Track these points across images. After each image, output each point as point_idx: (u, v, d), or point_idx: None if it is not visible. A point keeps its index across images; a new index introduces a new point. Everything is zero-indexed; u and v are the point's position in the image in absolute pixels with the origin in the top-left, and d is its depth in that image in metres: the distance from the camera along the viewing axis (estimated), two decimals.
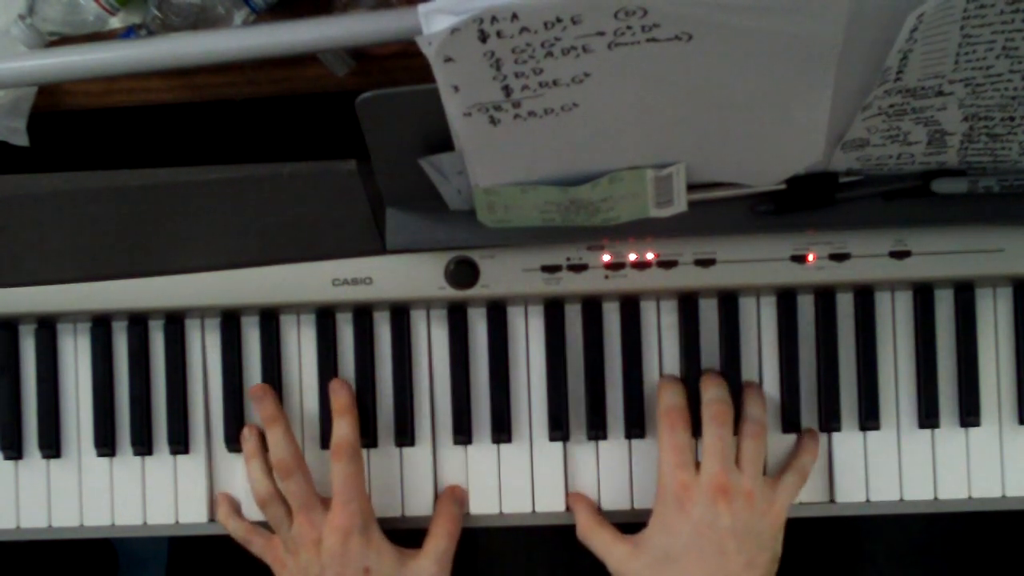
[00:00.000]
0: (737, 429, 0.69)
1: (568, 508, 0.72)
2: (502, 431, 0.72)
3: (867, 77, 0.54)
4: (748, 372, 0.72)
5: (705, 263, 0.68)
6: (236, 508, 0.73)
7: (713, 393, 0.68)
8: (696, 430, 0.70)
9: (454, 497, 0.72)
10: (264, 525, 0.72)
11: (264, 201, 0.68)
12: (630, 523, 0.72)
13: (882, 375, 0.71)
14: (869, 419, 0.71)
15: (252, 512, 0.73)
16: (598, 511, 0.71)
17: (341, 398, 0.71)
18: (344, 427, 0.70)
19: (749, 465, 0.67)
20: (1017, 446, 0.71)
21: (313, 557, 0.68)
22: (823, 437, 0.72)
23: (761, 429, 0.68)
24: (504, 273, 0.69)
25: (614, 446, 0.73)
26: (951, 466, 0.71)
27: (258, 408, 0.72)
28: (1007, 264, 0.68)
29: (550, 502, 0.72)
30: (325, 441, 0.73)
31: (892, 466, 0.72)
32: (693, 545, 0.64)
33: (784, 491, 0.68)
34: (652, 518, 0.68)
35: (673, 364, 0.72)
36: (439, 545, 0.70)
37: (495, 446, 0.73)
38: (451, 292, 0.69)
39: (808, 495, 0.71)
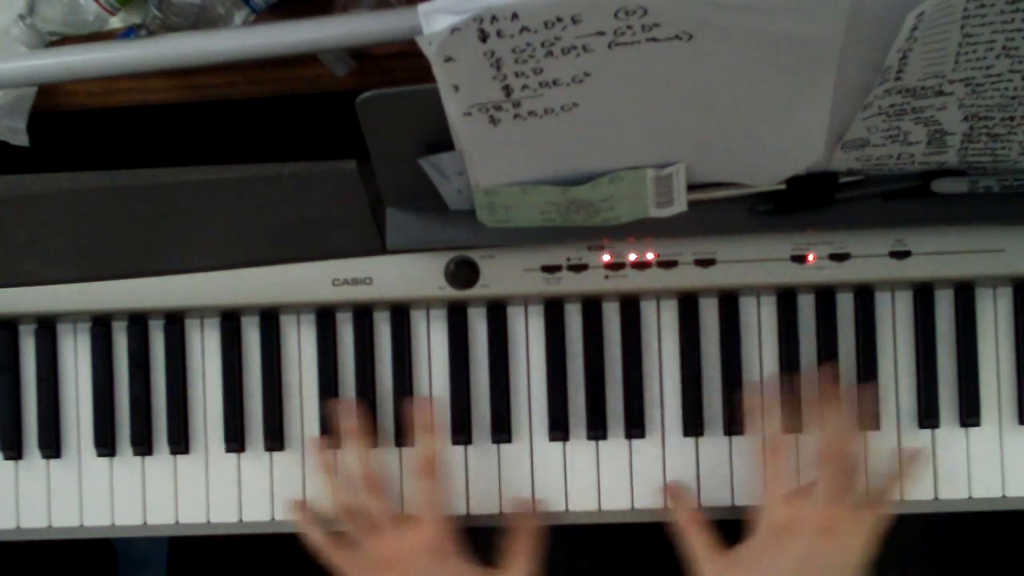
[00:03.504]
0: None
1: (666, 498, 0.72)
2: (502, 431, 0.72)
3: (867, 77, 0.54)
4: (748, 372, 0.72)
5: (705, 263, 0.68)
6: (315, 516, 0.72)
7: (834, 427, 0.67)
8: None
9: (530, 512, 0.71)
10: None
11: (264, 201, 0.68)
12: (630, 524, 0.73)
13: (882, 375, 0.71)
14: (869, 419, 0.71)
15: (251, 513, 0.73)
16: (699, 508, 0.71)
17: (424, 416, 0.70)
18: (427, 445, 0.70)
19: (851, 498, 0.66)
20: (1017, 446, 0.71)
21: (393, 575, 0.67)
22: None
23: (860, 465, 0.68)
24: (504, 273, 0.69)
25: (614, 446, 0.73)
26: (951, 466, 0.71)
27: (342, 423, 0.71)
28: (1007, 264, 0.68)
29: (550, 502, 0.72)
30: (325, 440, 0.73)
31: (892, 466, 0.72)
32: None
33: (877, 523, 0.67)
34: (753, 541, 0.67)
35: (673, 364, 0.72)
36: (520, 563, 0.68)
37: (495, 446, 0.73)
38: (451, 292, 0.69)
39: None
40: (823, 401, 0.69)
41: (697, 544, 0.68)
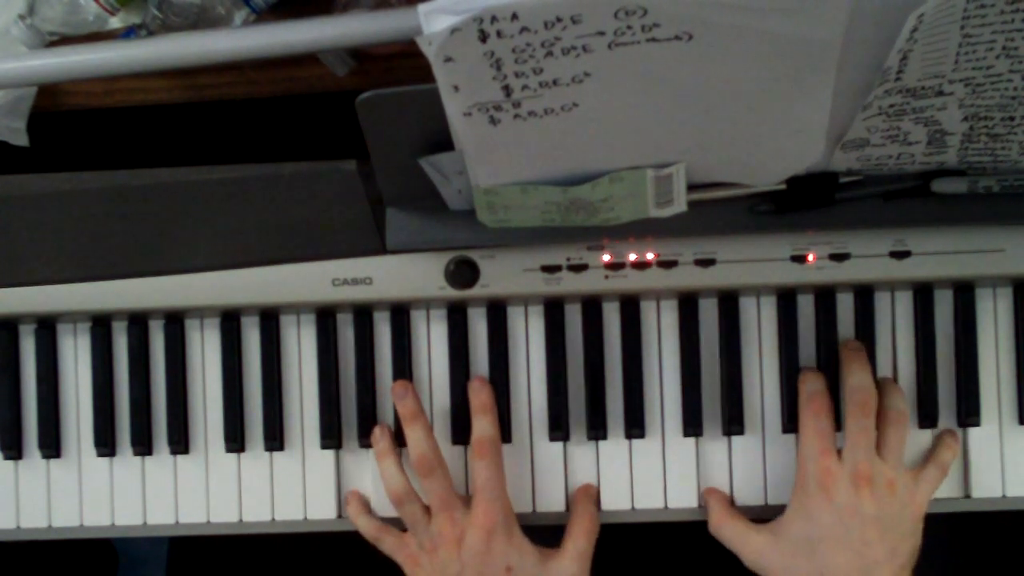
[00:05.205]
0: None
1: (701, 502, 0.72)
2: (502, 431, 0.72)
3: (867, 77, 0.54)
4: (748, 372, 0.72)
5: (705, 263, 0.68)
6: (366, 506, 0.73)
7: (858, 380, 0.68)
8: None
9: (589, 495, 0.71)
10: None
11: (264, 201, 0.68)
12: (629, 524, 0.73)
13: (881, 375, 0.71)
14: None
15: (251, 513, 0.73)
16: (732, 504, 0.71)
17: (482, 397, 0.70)
18: (485, 425, 0.70)
19: (891, 454, 0.67)
20: (1017, 446, 0.71)
21: (453, 556, 0.67)
22: None
23: (904, 418, 0.68)
24: (504, 273, 0.69)
25: (614, 446, 0.73)
26: (951, 466, 0.71)
27: (399, 405, 0.71)
28: (1007, 264, 0.68)
29: (550, 501, 0.73)
30: (326, 441, 0.73)
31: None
32: (836, 532, 0.64)
33: (925, 483, 0.68)
34: (791, 504, 0.67)
35: (673, 364, 0.72)
36: (578, 544, 0.69)
37: None
38: (451, 292, 0.69)
39: None
40: (848, 358, 0.69)
41: (732, 534, 0.68)
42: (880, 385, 0.69)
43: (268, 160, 0.68)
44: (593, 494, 0.72)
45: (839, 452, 0.67)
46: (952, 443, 0.71)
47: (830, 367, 0.71)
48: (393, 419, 0.73)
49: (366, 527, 0.72)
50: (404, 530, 0.71)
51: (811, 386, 0.69)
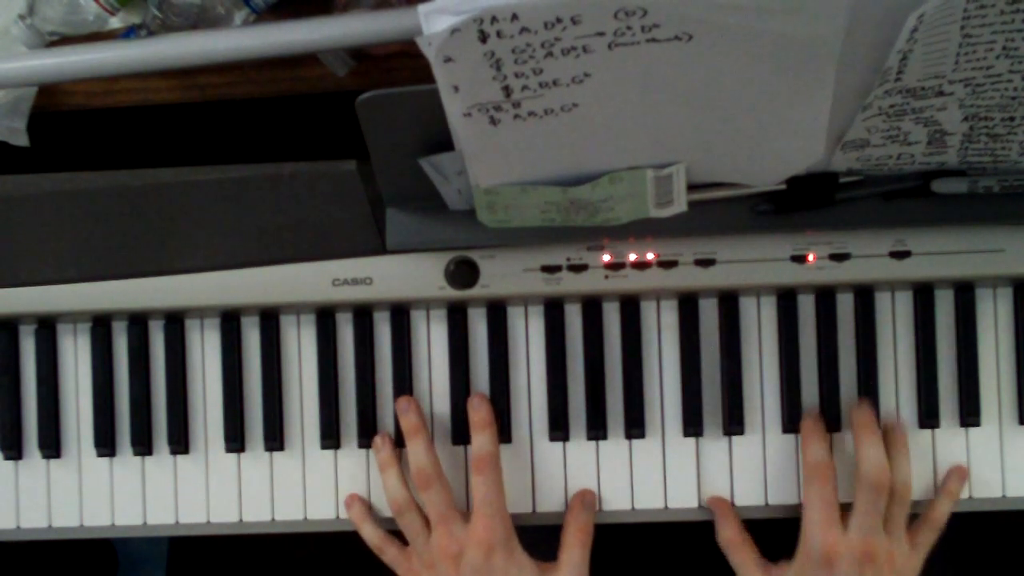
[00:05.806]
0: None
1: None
2: (502, 432, 0.72)
3: (867, 77, 0.54)
4: (748, 373, 0.72)
5: (705, 263, 0.68)
6: (370, 513, 0.72)
7: (873, 460, 0.67)
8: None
9: (583, 503, 0.71)
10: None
11: (264, 201, 0.68)
12: (629, 524, 0.73)
13: (882, 375, 0.71)
14: None
15: (251, 513, 0.73)
16: (743, 524, 0.70)
17: (481, 413, 0.70)
18: (484, 441, 0.69)
19: (896, 528, 0.67)
20: (1017, 446, 0.71)
21: (451, 571, 0.67)
22: None
23: (909, 493, 0.68)
24: (504, 273, 0.69)
25: (614, 446, 0.73)
26: (951, 466, 0.71)
27: (402, 420, 0.71)
28: (1007, 264, 0.68)
29: (550, 502, 0.73)
30: (326, 441, 0.73)
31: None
32: None
33: (922, 549, 0.68)
34: (795, 565, 0.67)
35: (673, 364, 0.72)
36: (573, 556, 0.69)
37: None
38: (451, 292, 0.69)
39: None
40: (861, 433, 0.68)
41: (740, 561, 0.69)
42: (890, 455, 0.68)
43: (268, 160, 0.68)
44: (590, 502, 0.72)
45: (844, 513, 0.67)
46: (955, 489, 0.70)
47: (830, 367, 0.71)
48: (393, 423, 0.73)
49: (370, 536, 0.72)
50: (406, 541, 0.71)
51: (815, 454, 0.68)
